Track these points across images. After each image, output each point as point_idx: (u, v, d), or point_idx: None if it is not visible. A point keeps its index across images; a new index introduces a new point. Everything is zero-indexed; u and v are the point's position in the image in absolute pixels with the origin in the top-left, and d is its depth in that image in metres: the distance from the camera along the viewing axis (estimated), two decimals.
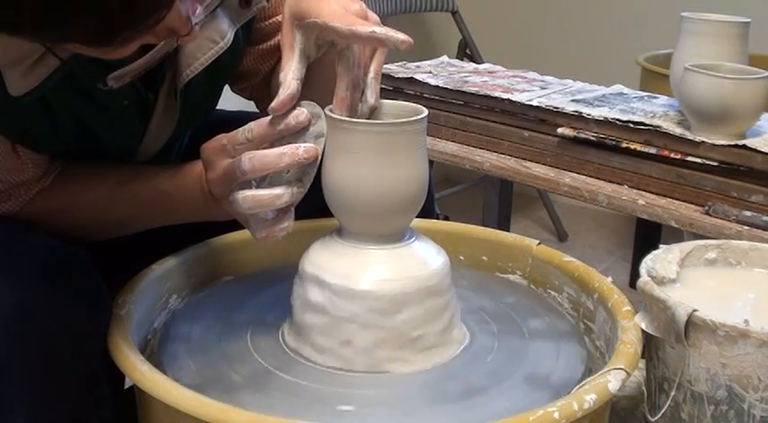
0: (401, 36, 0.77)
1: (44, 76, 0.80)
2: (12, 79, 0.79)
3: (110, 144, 0.93)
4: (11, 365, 0.73)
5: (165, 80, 0.92)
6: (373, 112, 0.85)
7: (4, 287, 0.74)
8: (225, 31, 0.90)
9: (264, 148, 0.82)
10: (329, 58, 0.84)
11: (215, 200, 0.86)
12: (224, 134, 0.83)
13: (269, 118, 0.81)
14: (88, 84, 0.84)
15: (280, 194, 0.80)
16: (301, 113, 0.81)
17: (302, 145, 0.80)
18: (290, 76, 0.81)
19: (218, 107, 1.07)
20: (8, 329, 0.73)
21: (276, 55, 1.01)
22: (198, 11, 0.75)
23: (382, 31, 0.77)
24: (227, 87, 1.05)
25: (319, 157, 0.82)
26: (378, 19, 0.83)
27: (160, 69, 0.90)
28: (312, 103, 0.83)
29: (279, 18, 0.98)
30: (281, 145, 0.82)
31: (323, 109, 0.83)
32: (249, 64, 1.02)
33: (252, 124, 0.81)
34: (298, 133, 0.82)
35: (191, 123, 1.00)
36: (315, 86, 0.84)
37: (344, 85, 0.82)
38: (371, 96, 0.83)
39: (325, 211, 0.85)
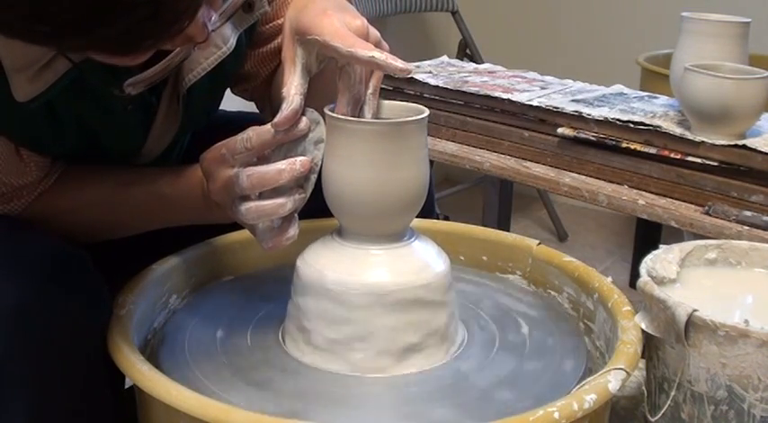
0: (400, 64, 0.78)
1: (51, 81, 0.80)
2: (18, 84, 0.79)
3: (113, 147, 0.93)
4: (10, 365, 0.73)
5: (167, 84, 0.92)
6: None
7: (4, 287, 0.74)
8: (228, 36, 0.90)
9: (263, 157, 0.82)
10: (329, 70, 0.85)
11: (217, 205, 0.86)
12: (222, 143, 0.83)
13: (267, 126, 0.81)
14: (100, 89, 0.85)
15: (283, 203, 0.81)
16: (300, 121, 0.81)
17: (298, 159, 0.80)
18: (293, 91, 0.81)
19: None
20: (8, 329, 0.73)
21: (276, 58, 1.01)
22: (213, 18, 0.75)
23: (382, 56, 0.77)
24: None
25: (319, 163, 0.83)
26: (378, 35, 0.83)
27: None
28: (310, 109, 0.83)
29: (280, 21, 0.98)
30: (280, 151, 0.82)
31: (323, 110, 0.83)
32: (250, 67, 1.02)
33: (251, 133, 0.81)
34: (297, 140, 0.82)
35: (193, 126, 1.00)
36: (314, 98, 0.85)
37: (345, 100, 0.82)
38: (368, 112, 0.84)
39: (325, 211, 0.85)
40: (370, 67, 0.82)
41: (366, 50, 0.77)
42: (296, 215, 0.83)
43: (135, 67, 0.77)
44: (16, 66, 0.79)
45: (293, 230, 0.83)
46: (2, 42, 0.77)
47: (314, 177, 0.83)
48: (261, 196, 0.81)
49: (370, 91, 0.84)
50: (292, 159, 0.80)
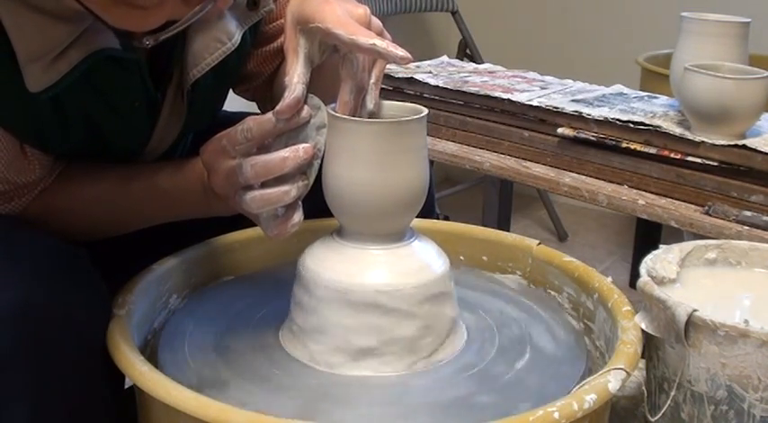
0: (400, 52, 0.77)
1: (64, 71, 0.80)
2: (32, 75, 0.80)
3: (117, 144, 0.93)
4: (11, 364, 0.73)
5: (172, 80, 0.92)
6: (371, 117, 0.85)
7: (4, 286, 0.74)
8: (232, 33, 0.90)
9: (264, 145, 0.82)
10: (331, 62, 0.85)
11: (218, 197, 0.86)
12: (222, 134, 0.83)
13: (268, 115, 0.81)
14: (104, 83, 0.86)
15: (287, 190, 0.80)
16: (302, 109, 0.81)
17: (301, 146, 0.80)
18: (296, 79, 0.81)
19: None
20: (8, 328, 0.73)
21: (279, 57, 1.01)
22: None
23: (383, 44, 0.77)
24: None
25: (322, 149, 0.82)
26: (380, 24, 0.84)
27: (168, 68, 0.91)
28: (310, 94, 0.83)
29: (282, 21, 0.98)
30: (281, 138, 0.82)
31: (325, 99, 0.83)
32: (252, 66, 1.02)
33: (251, 123, 0.81)
34: (299, 127, 0.82)
35: (197, 125, 1.00)
36: (317, 90, 0.85)
37: (348, 88, 0.82)
38: (370, 102, 0.84)
39: (325, 211, 0.85)
40: (372, 55, 0.82)
41: (367, 38, 0.77)
42: (299, 202, 0.83)
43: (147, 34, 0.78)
44: (31, 55, 0.79)
45: (297, 217, 0.83)
46: (17, 32, 0.78)
47: (317, 163, 0.83)
48: (264, 185, 0.81)
49: (372, 80, 0.84)
50: (295, 147, 0.80)
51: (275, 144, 0.82)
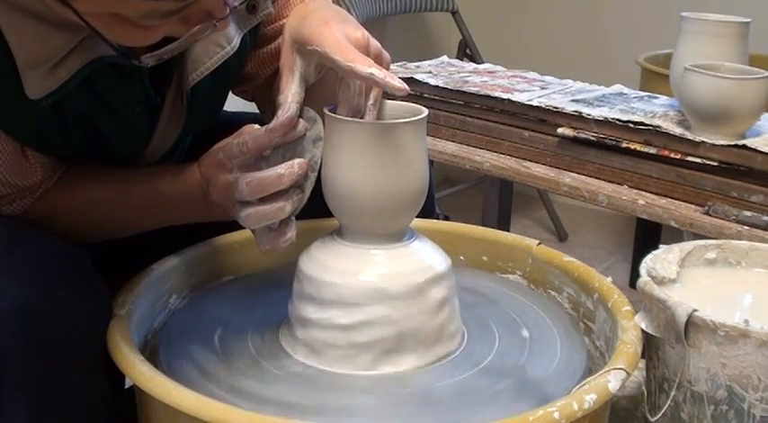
0: (397, 83, 0.77)
1: (64, 78, 0.80)
2: (31, 82, 0.80)
3: (118, 147, 0.93)
4: (11, 364, 0.73)
5: (172, 84, 0.92)
6: None
7: (4, 286, 0.74)
8: (232, 36, 0.90)
9: (261, 158, 0.82)
10: (328, 78, 0.85)
11: (218, 205, 0.86)
12: (219, 146, 0.84)
13: (263, 130, 0.81)
14: (104, 88, 0.86)
15: (282, 207, 0.81)
16: (297, 124, 0.82)
17: (296, 162, 0.81)
18: (290, 98, 0.82)
19: None
20: (9, 328, 0.73)
21: (277, 59, 1.01)
22: None
23: (380, 74, 0.77)
24: None
25: (319, 161, 0.83)
26: (379, 47, 0.84)
27: (168, 73, 0.91)
28: (306, 108, 0.84)
29: (282, 22, 0.98)
30: (278, 150, 0.83)
31: (322, 111, 0.83)
32: (251, 67, 1.02)
33: (247, 136, 0.82)
34: (295, 141, 0.83)
35: (197, 127, 1.00)
36: (314, 102, 0.85)
37: (344, 112, 0.83)
38: None
39: (325, 211, 0.85)
40: (368, 84, 0.82)
41: (365, 67, 0.78)
42: (293, 217, 0.84)
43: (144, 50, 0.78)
44: (30, 63, 0.79)
45: (290, 232, 0.84)
46: (17, 39, 0.78)
47: (314, 176, 0.83)
48: (260, 199, 0.82)
49: (371, 102, 0.84)
50: (290, 163, 0.81)
51: (272, 156, 0.83)
